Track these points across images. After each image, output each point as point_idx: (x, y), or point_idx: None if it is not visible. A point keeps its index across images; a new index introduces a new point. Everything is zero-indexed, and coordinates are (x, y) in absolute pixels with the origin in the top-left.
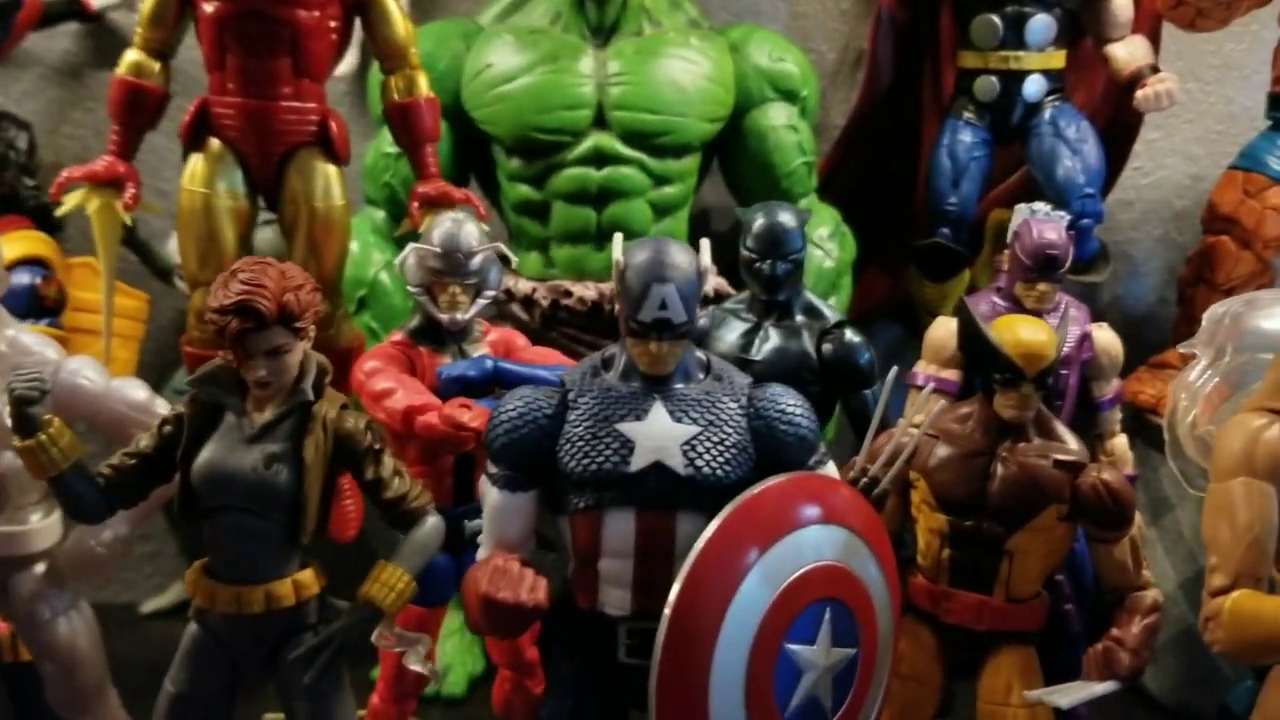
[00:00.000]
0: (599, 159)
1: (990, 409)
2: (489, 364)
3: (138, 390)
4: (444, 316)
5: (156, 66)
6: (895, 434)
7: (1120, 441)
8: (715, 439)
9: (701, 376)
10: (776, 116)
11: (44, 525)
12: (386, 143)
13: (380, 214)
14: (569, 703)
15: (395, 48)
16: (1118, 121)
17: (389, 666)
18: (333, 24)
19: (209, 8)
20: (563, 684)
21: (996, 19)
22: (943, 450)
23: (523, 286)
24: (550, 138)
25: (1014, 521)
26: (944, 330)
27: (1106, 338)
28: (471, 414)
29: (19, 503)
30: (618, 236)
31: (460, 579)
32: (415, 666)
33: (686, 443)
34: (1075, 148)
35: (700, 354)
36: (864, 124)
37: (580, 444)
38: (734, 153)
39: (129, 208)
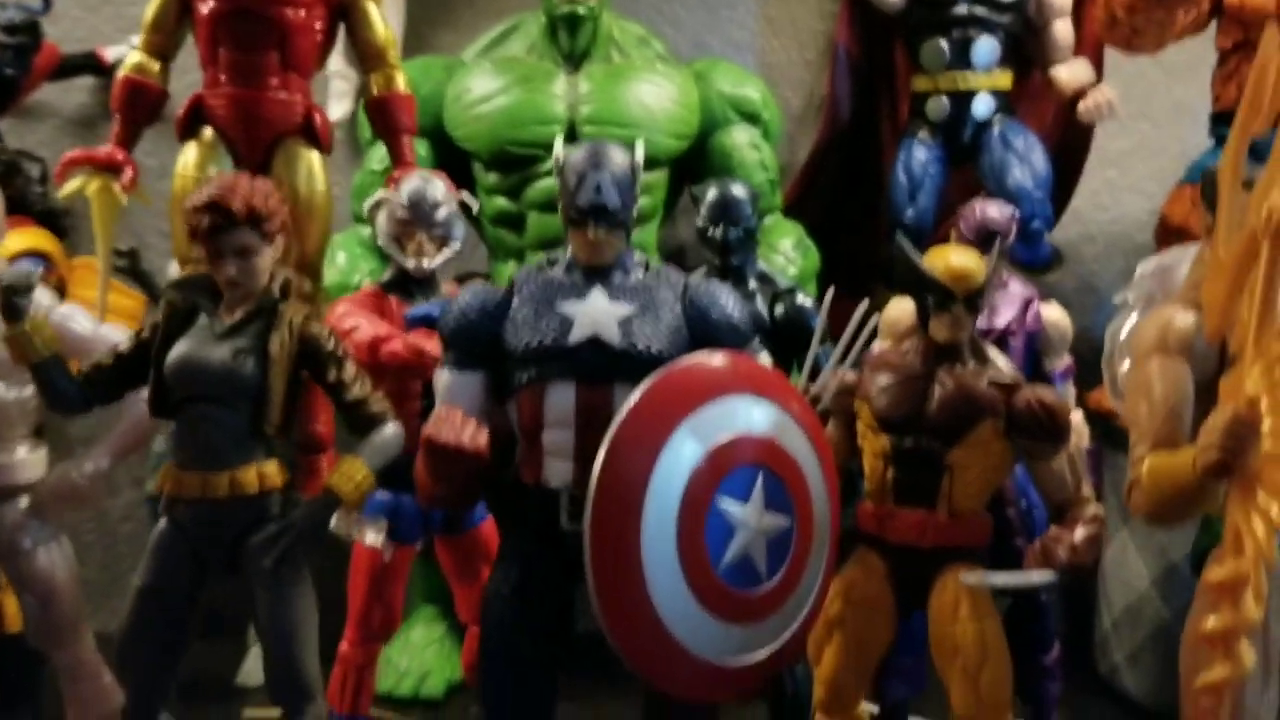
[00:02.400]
0: None
1: (927, 336)
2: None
3: (123, 336)
4: (411, 263)
5: (156, 66)
6: (834, 357)
7: (1076, 415)
8: (650, 318)
9: (641, 274)
10: (739, 136)
11: (30, 458)
12: (373, 161)
13: (367, 230)
14: (514, 572)
15: (375, 48)
16: (1067, 146)
17: (356, 608)
18: (318, 24)
19: (204, 8)
20: (507, 556)
21: (943, 42)
22: (884, 378)
23: None
24: (525, 151)
25: (951, 437)
26: (898, 309)
27: (1054, 314)
28: (434, 343)
29: (7, 436)
30: (559, 137)
31: (428, 524)
32: (372, 541)
33: (623, 320)
34: (1023, 157)
35: (641, 255)
36: (826, 156)
37: (524, 324)
38: (700, 172)
39: (126, 190)
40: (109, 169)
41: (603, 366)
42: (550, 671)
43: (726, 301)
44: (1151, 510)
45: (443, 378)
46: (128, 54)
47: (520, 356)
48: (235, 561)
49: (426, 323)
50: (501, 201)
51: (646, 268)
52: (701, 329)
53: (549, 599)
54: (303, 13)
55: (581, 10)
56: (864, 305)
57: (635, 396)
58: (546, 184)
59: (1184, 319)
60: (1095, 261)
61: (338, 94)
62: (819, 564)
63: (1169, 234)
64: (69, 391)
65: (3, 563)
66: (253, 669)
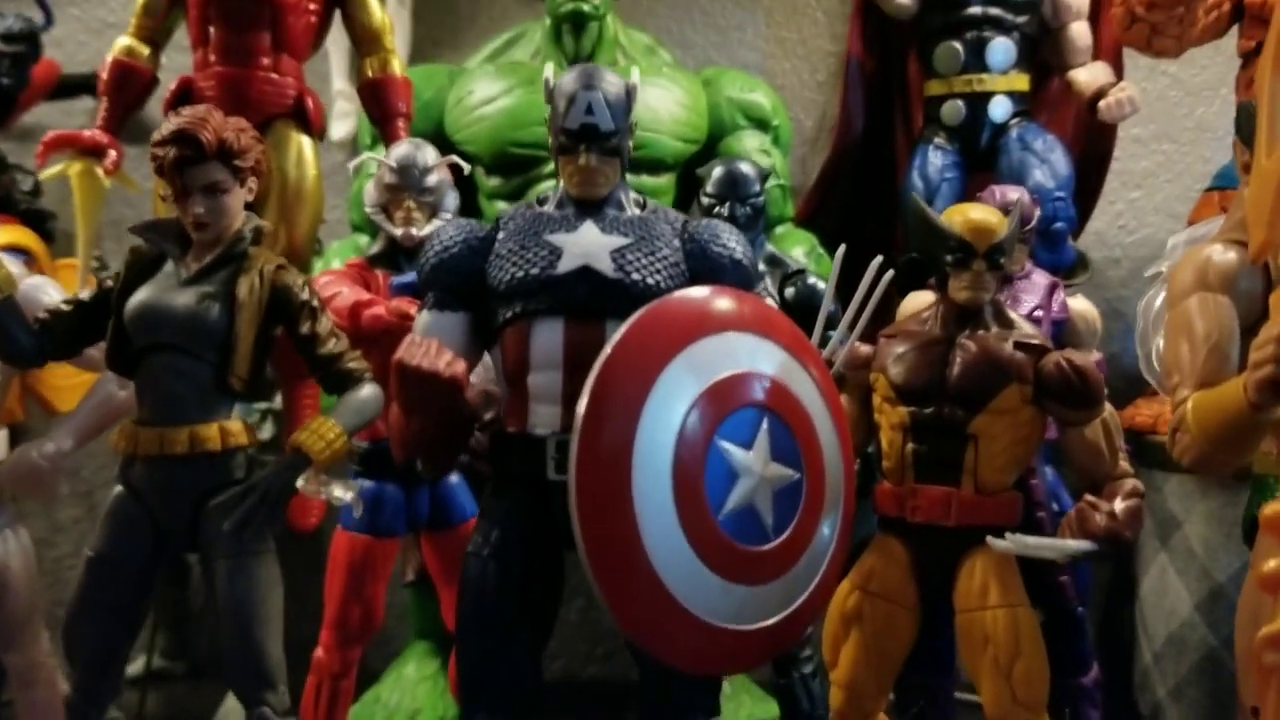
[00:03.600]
0: None
1: (947, 299)
2: None
3: None
4: (399, 231)
5: (146, 51)
6: (847, 316)
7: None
8: (647, 250)
9: (637, 211)
10: (749, 142)
11: None
12: (373, 166)
13: (364, 238)
14: (495, 531)
15: (371, 33)
16: (1089, 153)
17: (333, 607)
18: (312, 4)
19: None
20: (489, 513)
21: (958, 45)
22: (900, 346)
23: None
24: (526, 152)
25: (975, 403)
26: (914, 302)
27: (1082, 304)
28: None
29: None
30: (550, 65)
31: (412, 514)
32: (341, 496)
33: (616, 250)
34: (1043, 157)
35: (637, 194)
36: (840, 169)
37: (509, 255)
38: None
39: (109, 173)
40: (93, 152)
41: (594, 300)
42: (535, 640)
43: (729, 238)
44: (1198, 453)
45: (421, 319)
46: None
47: (504, 291)
48: (195, 529)
49: (411, 290)
50: (503, 205)
51: (643, 206)
52: (703, 265)
53: (534, 559)
54: None
55: (586, 8)
56: (877, 261)
57: (626, 325)
58: (549, 185)
59: (1224, 255)
60: (1121, 285)
61: (340, 114)
62: (832, 529)
63: None
64: (23, 341)
65: None
66: (233, 708)
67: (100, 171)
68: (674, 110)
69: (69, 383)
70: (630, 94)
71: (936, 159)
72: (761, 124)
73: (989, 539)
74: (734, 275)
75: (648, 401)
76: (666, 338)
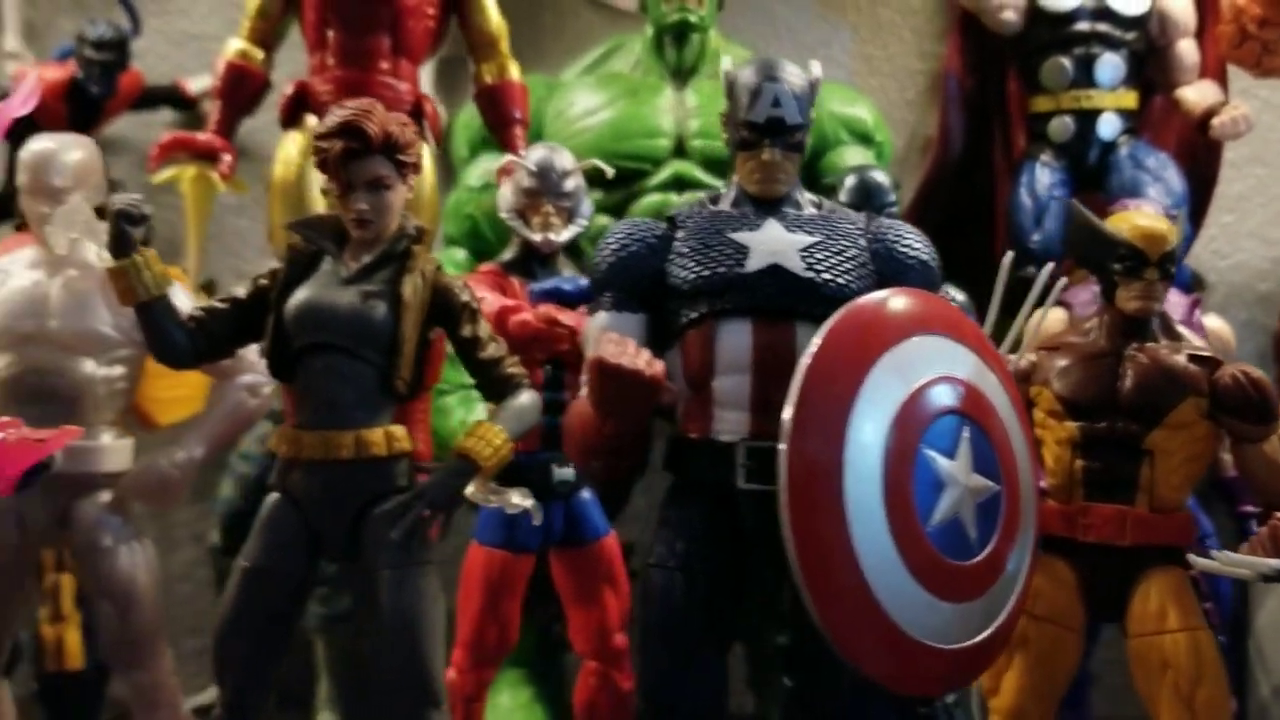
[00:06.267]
0: (679, 184)
1: (1114, 310)
2: (583, 281)
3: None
4: (537, 237)
5: (260, 55)
6: (1016, 322)
7: None
8: (834, 249)
9: (814, 210)
10: (852, 158)
11: (115, 445)
12: (471, 178)
13: (461, 253)
14: (679, 542)
15: (488, 37)
16: (1194, 174)
17: (468, 626)
18: (431, 9)
19: None
20: (669, 523)
21: (1065, 60)
22: (1063, 359)
23: None
24: (631, 164)
25: (1150, 418)
26: (1052, 322)
27: (1216, 323)
28: (567, 315)
29: (93, 420)
30: (726, 58)
31: (550, 531)
32: (519, 504)
33: (805, 249)
34: (1157, 175)
35: (811, 195)
36: (936, 190)
37: (692, 254)
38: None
39: (224, 177)
40: (206, 156)
41: (783, 300)
42: (721, 655)
43: (915, 239)
44: None
45: (598, 321)
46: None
47: (688, 291)
48: (354, 539)
49: (555, 296)
50: (604, 220)
51: (819, 205)
52: (890, 266)
53: (721, 571)
54: None
55: (693, 19)
56: (1049, 269)
57: (826, 328)
58: (652, 200)
59: None
60: (1217, 312)
61: None
62: (1025, 546)
63: None
64: (178, 340)
65: (80, 563)
66: None
67: (215, 176)
68: None
69: (169, 395)
70: (814, 88)
71: (1044, 176)
72: (865, 139)
73: (1190, 557)
74: (920, 277)
75: (855, 406)
76: (869, 341)
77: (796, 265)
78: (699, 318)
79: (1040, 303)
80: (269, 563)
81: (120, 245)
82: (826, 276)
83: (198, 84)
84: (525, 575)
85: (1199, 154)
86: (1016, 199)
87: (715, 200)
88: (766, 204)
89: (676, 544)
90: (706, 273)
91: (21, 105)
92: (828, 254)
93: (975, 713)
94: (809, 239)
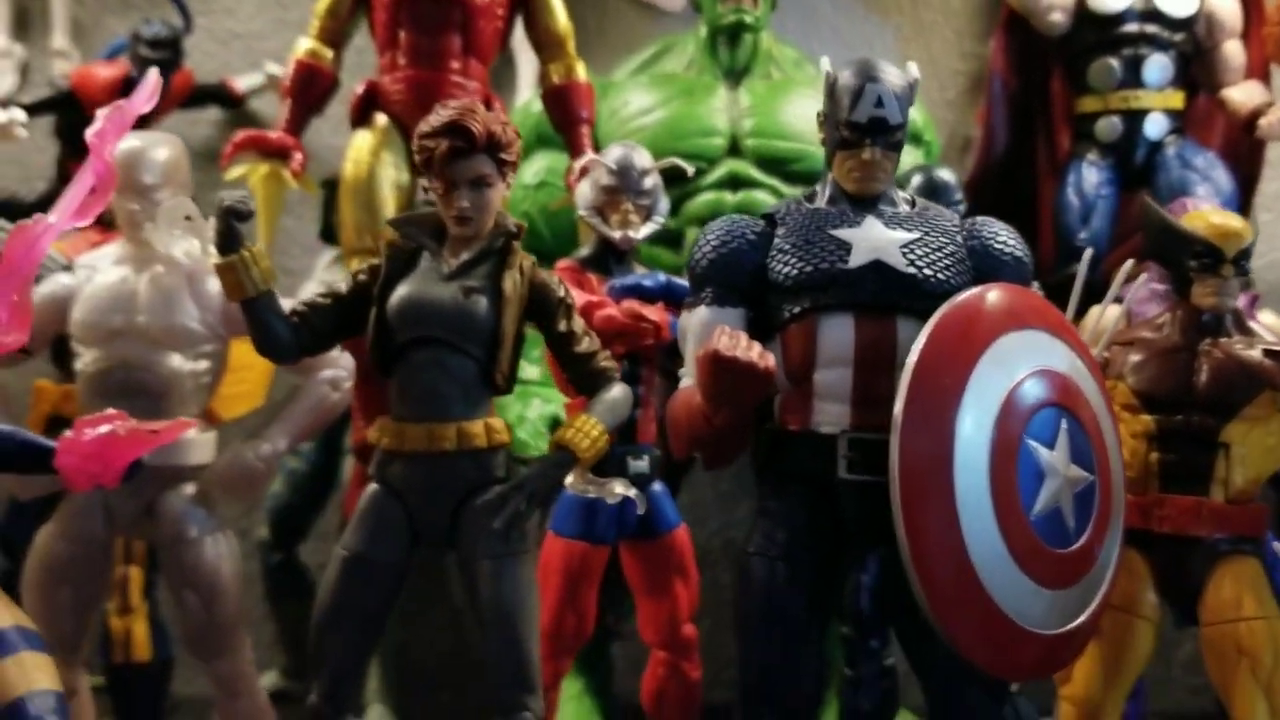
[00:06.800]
0: (734, 183)
1: (1188, 305)
2: (662, 277)
3: None
4: (616, 234)
5: (329, 53)
6: (1094, 312)
7: None
8: (934, 245)
9: (908, 208)
10: (902, 158)
11: (200, 439)
12: (526, 175)
13: None
14: (780, 532)
15: (555, 37)
16: (1237, 174)
17: (547, 615)
18: (500, 10)
19: None
20: (769, 514)
21: (1113, 61)
22: (1137, 354)
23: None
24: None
25: (1226, 410)
26: (1106, 318)
27: (1272, 319)
28: (652, 310)
29: (179, 413)
30: (825, 58)
31: (624, 523)
32: (621, 493)
33: (905, 245)
34: (1205, 175)
35: (903, 193)
36: (980, 190)
37: (794, 250)
38: None
39: (296, 175)
40: (278, 154)
41: (885, 296)
42: (821, 643)
43: (1009, 235)
44: None
45: (698, 316)
46: (259, 81)
47: (790, 286)
48: (454, 529)
49: (636, 292)
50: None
51: (913, 203)
52: (986, 263)
53: (822, 560)
54: None
55: (749, 19)
56: (1088, 254)
57: (933, 322)
58: (707, 199)
59: None
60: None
61: None
62: (1115, 535)
63: None
64: (282, 334)
65: (165, 554)
66: None
67: (286, 174)
68: None
69: (230, 391)
70: (913, 88)
71: (1091, 175)
72: (914, 139)
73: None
74: (1014, 272)
75: (963, 399)
76: (973, 336)
77: (898, 261)
78: (801, 312)
79: (1092, 297)
80: (370, 552)
81: (228, 241)
82: (928, 272)
83: (245, 82)
84: (602, 566)
85: (1241, 153)
86: (1063, 198)
87: (810, 198)
88: (863, 202)
89: (777, 533)
90: (809, 268)
91: (145, 103)
92: (928, 250)
93: None
94: (909, 235)
